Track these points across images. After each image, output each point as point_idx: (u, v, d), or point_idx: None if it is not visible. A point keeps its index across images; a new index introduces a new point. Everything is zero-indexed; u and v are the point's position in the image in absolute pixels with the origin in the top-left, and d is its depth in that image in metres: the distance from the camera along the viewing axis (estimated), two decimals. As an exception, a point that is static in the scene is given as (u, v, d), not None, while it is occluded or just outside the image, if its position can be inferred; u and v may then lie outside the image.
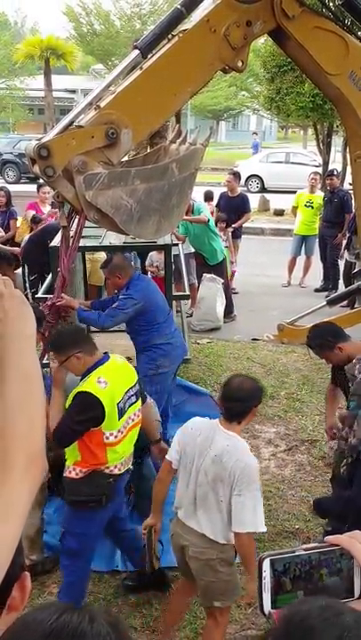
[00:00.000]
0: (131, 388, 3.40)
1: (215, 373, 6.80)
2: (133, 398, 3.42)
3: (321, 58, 4.60)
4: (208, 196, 10.18)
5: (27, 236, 8.41)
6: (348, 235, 9.46)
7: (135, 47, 4.06)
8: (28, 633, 0.82)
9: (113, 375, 3.31)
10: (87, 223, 4.13)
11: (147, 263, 7.99)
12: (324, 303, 7.19)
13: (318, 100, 13.23)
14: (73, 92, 35.30)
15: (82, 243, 4.62)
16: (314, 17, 4.56)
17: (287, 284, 10.72)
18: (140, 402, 3.51)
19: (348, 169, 6.61)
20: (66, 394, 3.40)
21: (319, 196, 10.46)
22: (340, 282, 9.78)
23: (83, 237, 4.46)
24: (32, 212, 8.73)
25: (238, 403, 3.02)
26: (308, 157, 22.50)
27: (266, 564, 0.99)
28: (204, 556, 3.01)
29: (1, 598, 0.90)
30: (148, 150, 5.40)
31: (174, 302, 6.25)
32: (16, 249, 8.23)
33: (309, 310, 7.26)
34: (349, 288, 7.46)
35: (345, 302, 7.93)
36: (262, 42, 14.50)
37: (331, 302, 7.20)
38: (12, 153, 23.28)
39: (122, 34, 30.20)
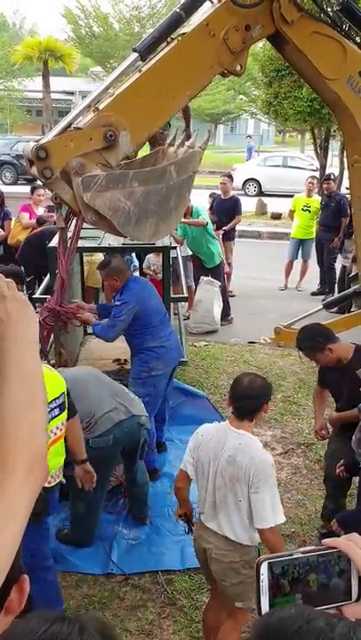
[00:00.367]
0: (54, 399, 3.29)
1: (212, 376, 6.80)
2: (57, 411, 3.30)
3: (319, 63, 4.62)
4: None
5: (22, 237, 8.45)
6: (342, 238, 9.51)
7: (134, 50, 4.07)
8: None
9: None
10: (85, 225, 4.13)
11: (144, 265, 8.01)
12: (321, 307, 7.20)
13: (316, 104, 13.26)
14: (71, 93, 35.32)
15: (80, 244, 4.62)
16: (312, 22, 4.58)
17: (284, 288, 10.74)
18: (64, 415, 3.38)
19: (346, 173, 6.63)
20: None
21: (316, 200, 10.49)
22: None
23: (81, 239, 4.46)
24: (25, 215, 8.73)
25: (250, 400, 3.04)
26: (305, 161, 22.57)
27: (264, 567, 0.99)
28: (226, 559, 3.01)
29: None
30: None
31: (172, 304, 6.25)
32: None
33: (306, 314, 7.26)
34: (345, 292, 7.48)
35: (335, 309, 7.95)
36: (261, 46, 14.55)
37: (327, 306, 7.22)
38: (9, 154, 23.24)
39: (120, 36, 30.24)
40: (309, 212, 10.42)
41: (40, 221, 8.28)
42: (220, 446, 3.01)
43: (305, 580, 1.00)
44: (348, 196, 8.07)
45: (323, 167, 15.95)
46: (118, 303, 4.71)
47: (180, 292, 6.71)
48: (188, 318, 8.50)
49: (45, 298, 4.90)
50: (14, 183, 22.17)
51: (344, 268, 9.27)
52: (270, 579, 0.99)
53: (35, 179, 4.26)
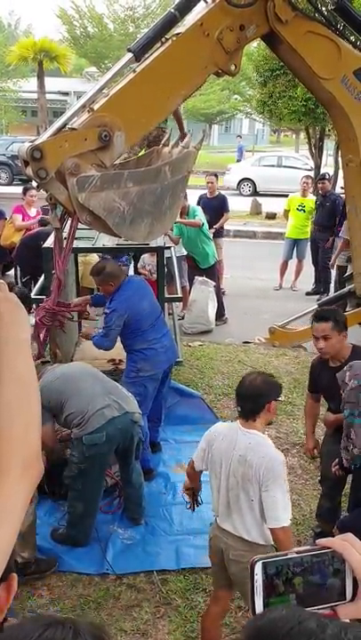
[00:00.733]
0: None
1: (207, 376, 6.80)
2: None
3: (313, 62, 4.63)
4: None
5: (15, 239, 8.47)
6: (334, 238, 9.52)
7: (129, 50, 4.07)
8: None
9: None
10: (80, 225, 4.13)
11: (139, 265, 8.00)
12: (316, 306, 7.21)
13: (311, 104, 13.28)
14: (66, 94, 35.24)
15: (75, 244, 4.62)
16: (307, 21, 4.59)
17: (279, 288, 10.75)
18: None
19: (340, 173, 6.64)
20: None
21: (311, 200, 10.51)
22: (332, 285, 9.81)
23: (75, 239, 4.46)
24: (19, 217, 8.73)
25: (249, 399, 3.04)
26: (300, 161, 22.59)
27: (258, 567, 0.99)
28: (244, 559, 2.98)
29: None
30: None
31: (166, 305, 6.25)
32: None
33: (301, 314, 7.29)
34: (341, 291, 7.49)
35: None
36: (255, 46, 14.54)
37: (322, 305, 7.22)
38: (4, 155, 23.20)
39: (115, 37, 30.16)
40: (304, 211, 10.44)
41: (44, 222, 8.27)
42: (231, 446, 3.02)
43: (299, 581, 1.00)
44: (342, 195, 8.08)
45: (317, 167, 15.97)
46: (108, 311, 4.74)
47: (174, 292, 6.71)
48: (183, 318, 8.50)
49: (42, 298, 4.90)
50: (9, 184, 22.16)
51: (340, 268, 9.28)
52: (264, 579, 0.99)
53: (29, 179, 4.25)
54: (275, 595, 0.99)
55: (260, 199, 18.80)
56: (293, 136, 34.58)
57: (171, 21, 4.18)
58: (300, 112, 14.14)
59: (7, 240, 8.68)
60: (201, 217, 8.43)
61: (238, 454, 2.97)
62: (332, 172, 14.00)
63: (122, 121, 3.91)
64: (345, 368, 3.71)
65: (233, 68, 4.44)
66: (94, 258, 8.04)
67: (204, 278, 8.50)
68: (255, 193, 21.55)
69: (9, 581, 0.93)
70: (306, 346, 7.45)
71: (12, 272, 8.93)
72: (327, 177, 10.85)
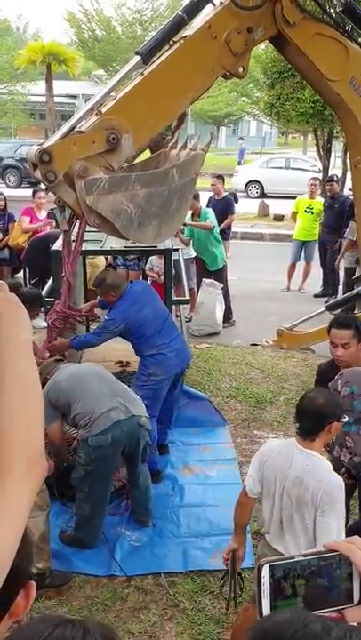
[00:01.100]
0: None
1: (214, 378, 6.79)
2: None
3: (321, 64, 4.63)
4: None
5: (22, 240, 8.52)
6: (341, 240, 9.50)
7: (137, 53, 4.08)
8: None
9: None
10: (88, 227, 4.14)
11: (147, 268, 8.01)
12: (324, 309, 7.19)
13: (318, 105, 13.27)
14: (74, 97, 35.34)
15: (83, 247, 4.63)
16: (314, 23, 4.59)
17: (286, 290, 10.73)
18: None
19: (349, 175, 6.63)
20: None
21: (319, 202, 10.48)
22: (340, 287, 9.78)
23: (84, 241, 4.47)
24: (26, 219, 8.77)
25: (310, 418, 2.88)
26: (308, 163, 22.54)
27: (265, 570, 0.99)
28: None
29: (4, 603, 0.90)
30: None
31: (174, 307, 6.25)
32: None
33: (308, 316, 7.27)
34: (349, 294, 7.46)
35: (338, 310, 7.91)
36: (263, 48, 14.56)
37: (330, 308, 7.20)
38: (13, 158, 23.33)
39: (123, 40, 30.24)
40: (312, 213, 10.42)
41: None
42: (286, 465, 2.88)
43: (306, 583, 1.00)
44: (351, 197, 8.06)
45: (325, 169, 15.94)
46: (107, 318, 4.79)
47: (182, 294, 6.71)
48: (190, 320, 8.51)
49: (53, 301, 4.93)
50: (18, 186, 22.26)
51: (348, 270, 9.25)
52: (272, 582, 0.99)
53: (38, 182, 4.27)
54: (282, 597, 0.99)
55: (267, 201, 18.78)
56: (301, 138, 34.53)
57: (178, 24, 4.19)
58: (307, 114, 14.13)
59: (13, 241, 8.75)
60: (212, 219, 8.45)
61: (294, 474, 2.83)
62: (340, 174, 13.96)
63: (130, 123, 3.92)
64: (336, 377, 3.69)
65: (241, 70, 4.44)
66: (102, 260, 8.06)
67: (212, 280, 8.50)
68: (263, 195, 21.53)
69: (28, 589, 0.94)
70: (314, 348, 7.43)
71: (20, 274, 8.98)
72: (335, 179, 10.83)
